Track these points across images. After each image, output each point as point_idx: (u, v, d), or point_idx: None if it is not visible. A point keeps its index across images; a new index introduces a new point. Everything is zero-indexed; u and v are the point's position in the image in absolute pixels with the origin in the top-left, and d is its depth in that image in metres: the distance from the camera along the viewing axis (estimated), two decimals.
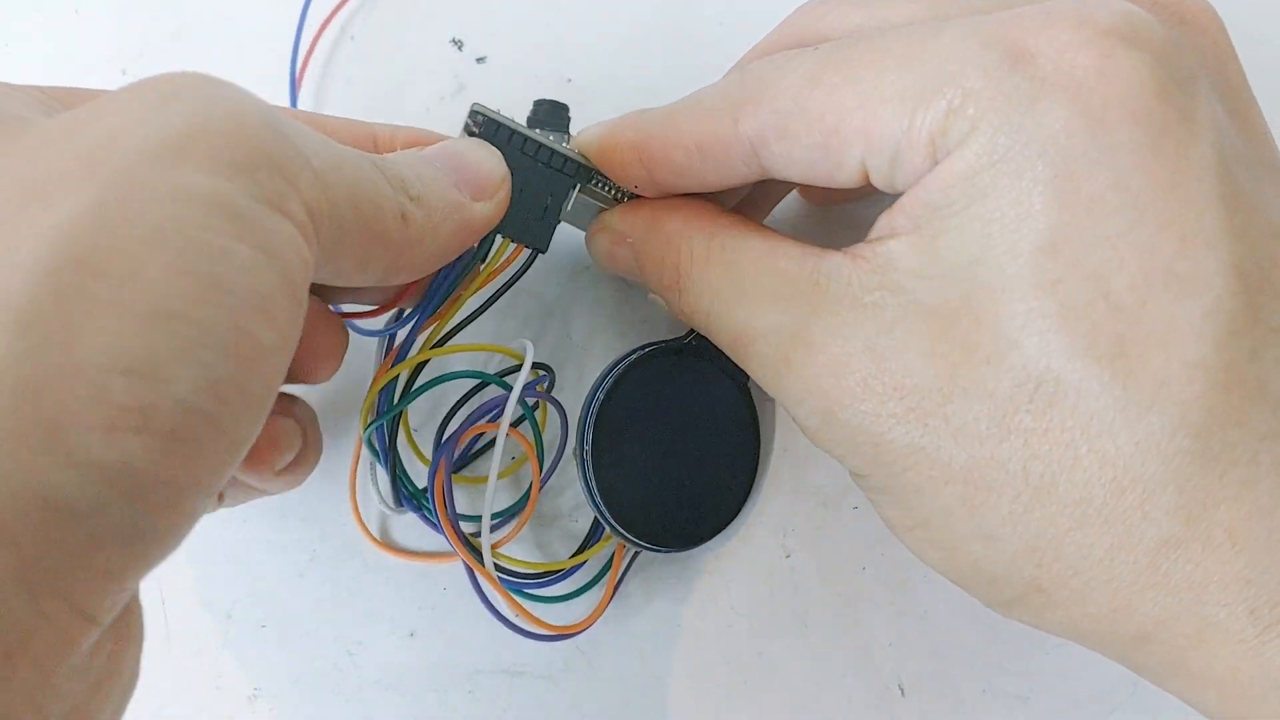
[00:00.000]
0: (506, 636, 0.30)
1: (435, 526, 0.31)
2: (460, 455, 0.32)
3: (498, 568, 0.29)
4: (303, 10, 0.37)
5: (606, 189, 0.30)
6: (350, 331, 0.29)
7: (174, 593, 0.32)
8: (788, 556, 0.32)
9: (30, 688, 0.16)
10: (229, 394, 0.17)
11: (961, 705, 0.31)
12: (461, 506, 0.30)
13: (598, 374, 0.31)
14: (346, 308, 0.30)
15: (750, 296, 0.25)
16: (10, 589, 0.15)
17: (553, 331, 0.34)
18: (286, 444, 0.26)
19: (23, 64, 0.38)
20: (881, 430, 0.22)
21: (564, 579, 0.31)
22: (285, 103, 0.37)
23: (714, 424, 0.31)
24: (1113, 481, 0.20)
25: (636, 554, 0.32)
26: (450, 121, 0.37)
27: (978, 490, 0.22)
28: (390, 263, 0.23)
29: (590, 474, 0.30)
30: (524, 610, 0.29)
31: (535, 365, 0.29)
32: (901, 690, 0.31)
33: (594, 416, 0.30)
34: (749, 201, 0.32)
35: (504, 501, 0.32)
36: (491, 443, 0.33)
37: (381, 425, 0.29)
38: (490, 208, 0.26)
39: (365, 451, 0.32)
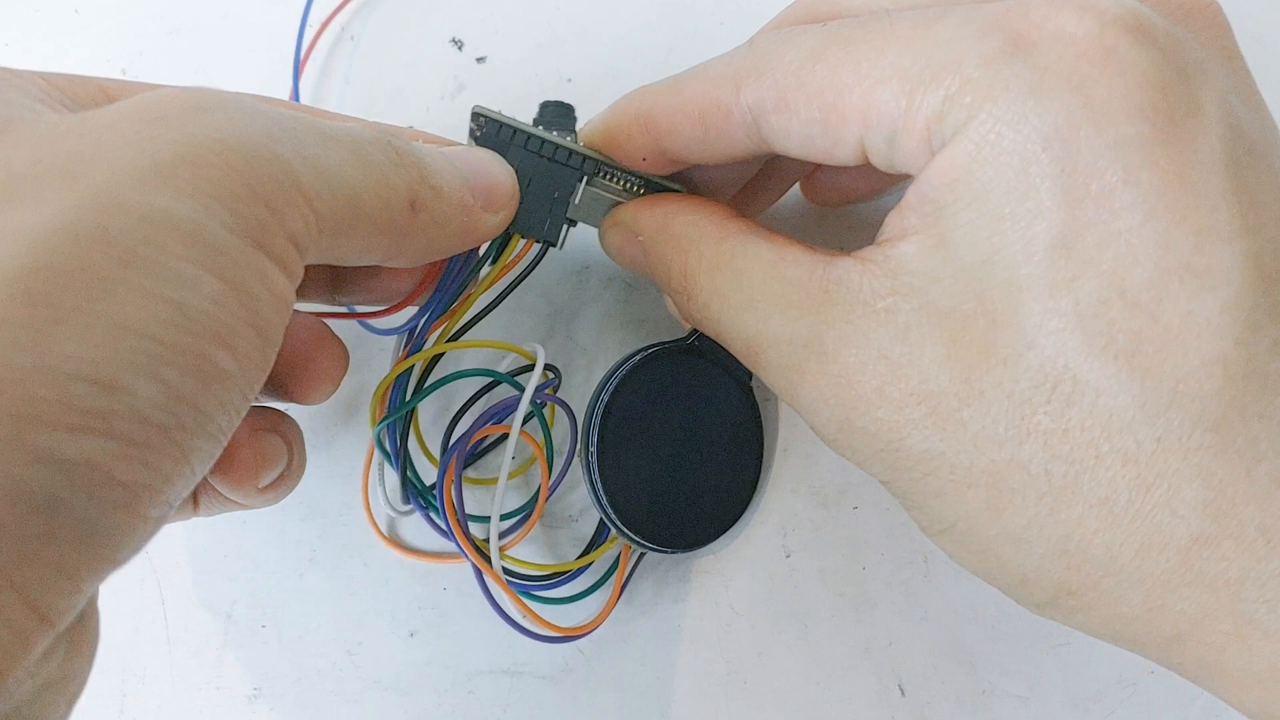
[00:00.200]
0: (507, 637, 0.30)
1: (440, 529, 0.31)
2: (468, 454, 0.32)
3: (505, 569, 0.29)
4: (304, 10, 0.37)
5: (615, 179, 0.30)
6: (368, 333, 0.30)
7: (174, 593, 0.32)
8: (788, 556, 0.32)
9: None
10: (185, 412, 0.18)
11: (961, 705, 0.31)
12: (467, 507, 0.30)
13: (602, 375, 0.31)
14: (359, 308, 0.30)
15: (760, 305, 0.24)
16: None
17: (558, 332, 0.34)
18: (272, 460, 0.27)
19: (23, 64, 0.38)
20: (900, 437, 0.22)
21: (570, 580, 0.31)
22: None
23: (718, 424, 0.31)
24: (1137, 479, 0.20)
25: (642, 555, 0.32)
26: (450, 122, 0.37)
27: (1001, 493, 0.21)
28: (390, 248, 0.23)
29: (595, 475, 0.30)
30: (532, 612, 0.29)
31: (545, 367, 0.29)
32: (901, 690, 0.31)
33: (599, 418, 0.30)
34: (755, 187, 0.32)
35: (510, 503, 0.32)
36: (497, 442, 0.33)
37: (393, 423, 0.29)
38: (496, 220, 0.27)
39: (375, 453, 0.32)
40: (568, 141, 0.29)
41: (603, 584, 0.31)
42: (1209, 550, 0.20)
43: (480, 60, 0.38)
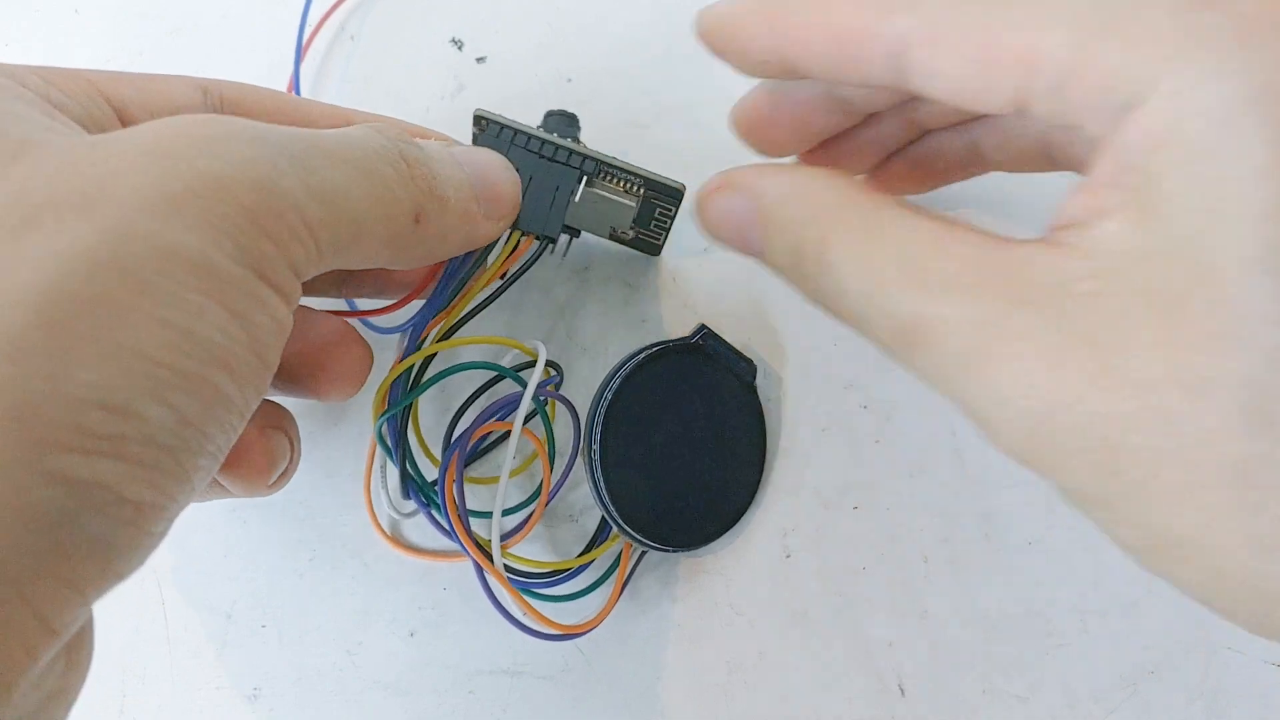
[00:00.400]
0: (506, 636, 0.30)
1: (441, 527, 0.31)
2: (469, 452, 0.32)
3: (506, 567, 0.29)
4: (304, 10, 0.37)
5: (615, 180, 0.30)
6: (371, 332, 0.30)
7: (174, 593, 0.32)
8: (788, 556, 0.32)
9: None
10: (190, 434, 0.19)
11: (961, 705, 0.31)
12: (469, 504, 0.30)
13: (605, 373, 0.31)
14: (361, 305, 0.30)
15: (925, 283, 0.21)
16: None
17: (560, 330, 0.34)
18: (281, 458, 0.28)
19: (23, 64, 0.38)
20: (1114, 434, 0.19)
21: (571, 578, 0.31)
22: None
23: (721, 423, 0.31)
24: None
25: (644, 553, 0.32)
26: (450, 122, 0.37)
27: (1249, 491, 0.19)
28: (391, 258, 0.24)
29: (598, 473, 0.30)
30: (533, 609, 0.29)
31: (546, 364, 0.29)
32: (901, 690, 0.31)
33: (602, 416, 0.30)
34: (914, 166, 0.29)
35: (512, 500, 0.32)
36: (499, 440, 0.33)
37: (393, 417, 0.29)
38: (497, 229, 0.27)
39: (377, 454, 0.32)
40: (568, 142, 0.29)
41: (603, 582, 0.31)
42: None
43: (480, 60, 0.38)
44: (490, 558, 0.28)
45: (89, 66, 0.38)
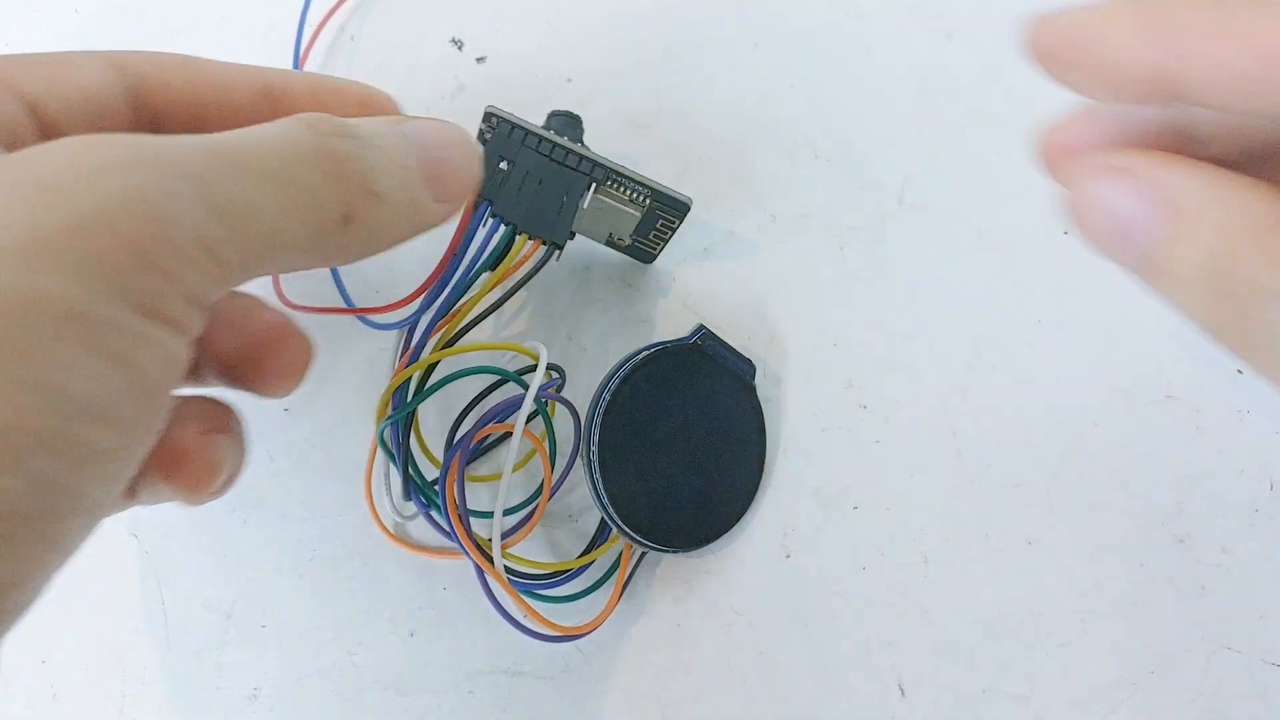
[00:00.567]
0: (506, 636, 0.30)
1: (442, 529, 0.31)
2: (471, 452, 0.32)
3: (506, 568, 0.29)
4: (303, 10, 0.37)
5: (623, 188, 0.30)
6: (368, 331, 0.29)
7: (174, 593, 0.32)
8: (788, 556, 0.32)
9: None
10: (55, 497, 0.17)
11: (961, 705, 0.31)
12: (470, 504, 0.30)
13: (604, 375, 0.31)
14: (360, 303, 0.30)
15: None
16: None
17: (559, 332, 0.34)
18: (223, 463, 0.25)
19: None
20: None
21: (571, 579, 0.31)
22: None
23: (720, 424, 0.31)
24: None
25: (644, 554, 0.32)
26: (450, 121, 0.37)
27: None
28: (318, 261, 0.22)
29: (597, 474, 0.30)
30: (533, 611, 0.29)
31: (548, 367, 0.29)
32: (901, 690, 0.31)
33: (601, 417, 0.30)
34: None
35: (512, 501, 0.32)
36: (500, 440, 0.33)
37: (396, 422, 0.29)
38: (449, 211, 0.24)
39: (377, 455, 0.32)
40: (579, 147, 0.29)
41: (603, 583, 0.31)
42: None
43: (480, 60, 0.38)
44: (490, 559, 0.28)
45: None
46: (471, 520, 0.29)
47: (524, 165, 0.29)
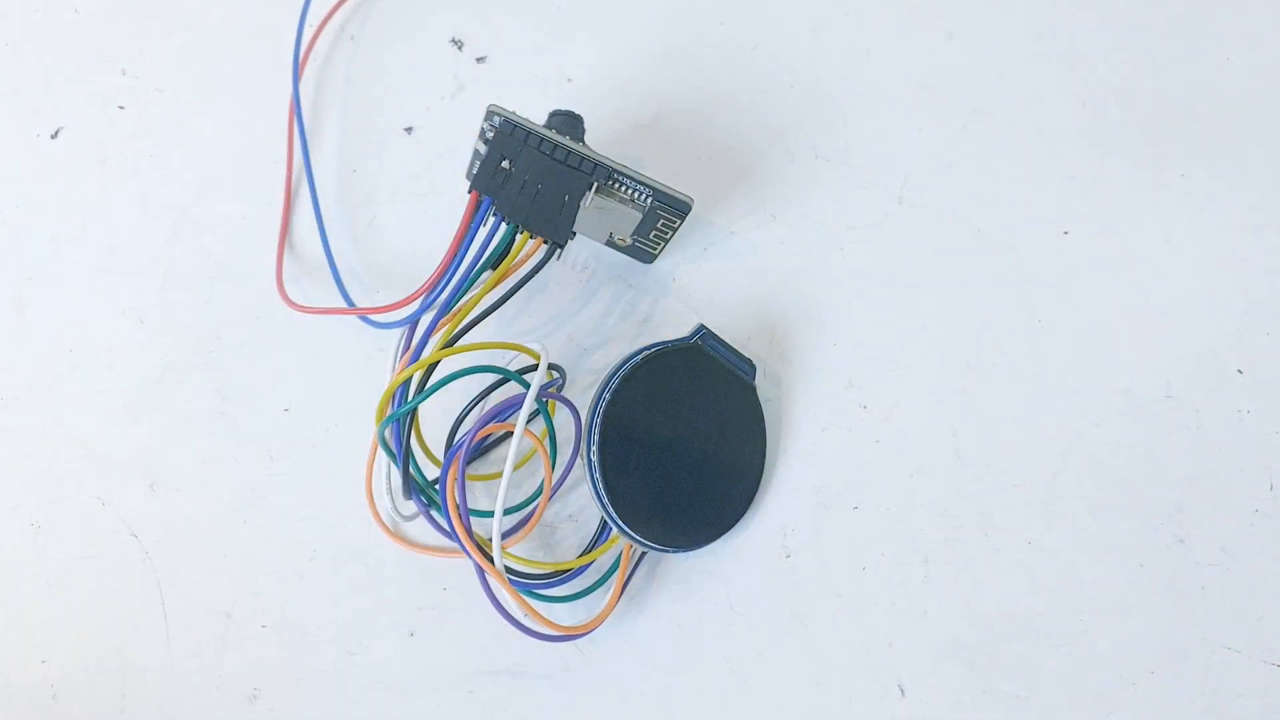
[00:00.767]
0: (506, 636, 0.30)
1: (442, 529, 0.31)
2: (471, 452, 0.32)
3: (506, 568, 0.29)
4: (303, 10, 0.37)
5: (625, 189, 0.30)
6: (368, 330, 0.29)
7: (174, 593, 0.32)
8: (788, 556, 0.32)
9: None
10: None
11: (961, 705, 0.31)
12: (470, 504, 0.30)
13: (604, 375, 0.31)
14: (361, 303, 0.30)
15: None
16: None
17: (560, 331, 0.34)
18: None
19: (23, 64, 0.38)
20: None
21: (571, 579, 0.31)
22: (285, 101, 0.37)
23: (720, 424, 0.31)
24: None
25: (644, 554, 0.32)
26: (450, 121, 0.37)
27: None
28: None
29: (597, 474, 0.30)
30: (533, 610, 0.29)
31: (549, 366, 0.29)
32: (901, 690, 0.31)
33: (601, 417, 0.30)
34: None
35: (513, 500, 0.32)
36: (501, 440, 0.33)
37: (396, 422, 0.29)
38: None
39: (378, 455, 0.32)
40: (580, 147, 0.29)
41: (603, 583, 0.31)
42: None
43: (480, 60, 0.38)
44: (490, 559, 0.28)
45: (89, 66, 0.38)
46: (471, 520, 0.29)
47: (526, 164, 0.29)
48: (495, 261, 0.29)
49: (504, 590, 0.29)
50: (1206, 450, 0.33)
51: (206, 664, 0.32)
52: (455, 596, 0.32)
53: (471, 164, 0.32)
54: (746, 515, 0.32)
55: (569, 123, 0.32)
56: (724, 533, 0.32)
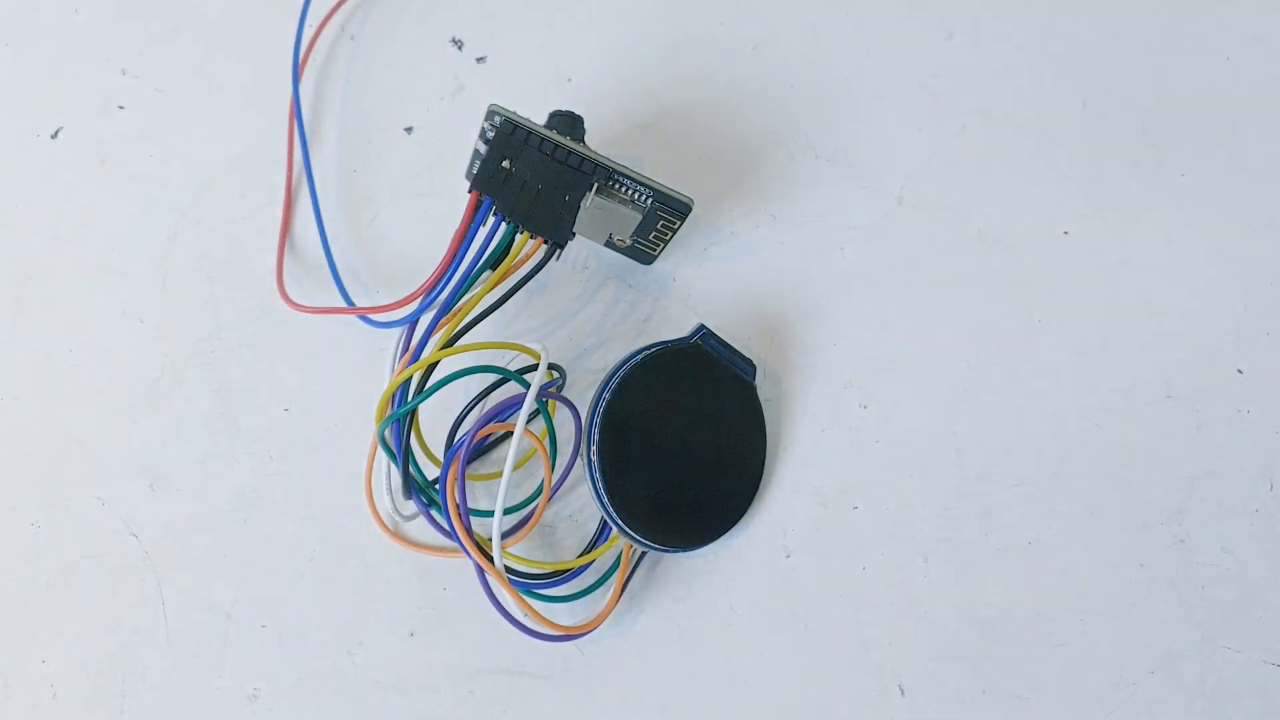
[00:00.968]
0: (507, 636, 0.30)
1: (442, 529, 0.31)
2: (471, 452, 0.32)
3: (506, 567, 0.29)
4: (303, 10, 0.37)
5: (625, 189, 0.30)
6: (367, 330, 0.29)
7: (174, 593, 0.32)
8: (788, 556, 0.32)
9: None
10: None
11: (961, 705, 0.31)
12: (470, 503, 0.30)
13: (604, 375, 0.31)
14: (361, 302, 0.30)
15: None
16: None
17: (560, 331, 0.34)
18: None
19: (23, 64, 0.38)
20: None
21: (571, 579, 0.31)
22: (285, 101, 0.37)
23: (720, 424, 0.31)
24: None
25: (644, 554, 0.32)
26: (450, 122, 0.37)
27: None
28: None
29: (597, 474, 0.30)
30: (533, 610, 0.29)
31: (549, 366, 0.29)
32: (901, 690, 0.31)
33: (601, 417, 0.30)
34: None
35: (512, 500, 0.32)
36: (501, 440, 0.33)
37: (396, 421, 0.29)
38: None
39: (378, 455, 0.32)
40: (581, 147, 0.29)
41: (603, 583, 0.31)
42: None
43: (480, 60, 0.38)
44: (490, 559, 0.28)
45: (89, 66, 0.38)
46: (471, 520, 0.29)
47: (526, 164, 0.29)
48: (495, 261, 0.29)
49: (504, 590, 0.29)
50: (1206, 450, 0.33)
51: (206, 664, 0.32)
52: (455, 596, 0.32)
53: (471, 164, 0.32)
54: (746, 515, 0.32)
55: (569, 123, 0.32)
56: (724, 533, 0.32)
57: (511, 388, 0.30)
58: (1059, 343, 0.34)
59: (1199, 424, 0.33)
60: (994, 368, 0.34)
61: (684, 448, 0.31)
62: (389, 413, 0.29)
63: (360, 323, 0.33)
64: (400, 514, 0.32)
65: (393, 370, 0.31)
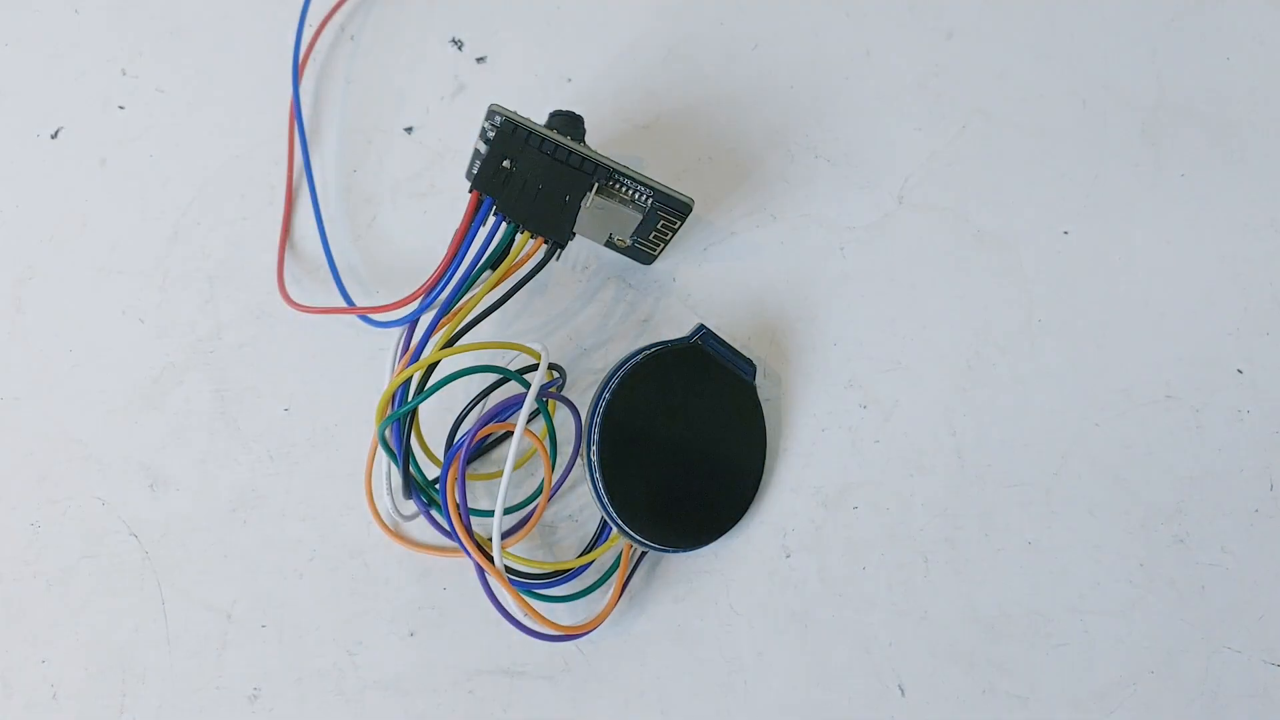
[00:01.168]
0: (507, 637, 0.30)
1: (442, 529, 0.31)
2: (471, 451, 0.32)
3: (506, 567, 0.29)
4: (302, 10, 0.37)
5: (625, 189, 0.30)
6: (367, 330, 0.29)
7: (174, 593, 0.32)
8: (788, 556, 0.32)
9: None
10: None
11: (961, 705, 0.31)
12: (470, 503, 0.30)
13: (604, 375, 0.31)
14: (361, 303, 0.30)
15: None
16: None
17: (560, 331, 0.34)
18: None
19: (23, 64, 0.38)
20: None
21: (571, 579, 0.31)
22: (285, 101, 0.37)
23: (720, 424, 0.31)
24: None
25: (644, 554, 0.32)
26: (450, 121, 0.37)
27: None
28: None
29: (597, 474, 0.30)
30: (533, 610, 0.29)
31: (550, 366, 0.29)
32: (901, 690, 0.31)
33: (601, 417, 0.30)
34: None
35: (512, 500, 0.32)
36: (501, 439, 0.33)
37: (396, 421, 0.29)
38: None
39: (378, 455, 0.32)
40: (581, 147, 0.29)
41: (603, 583, 0.31)
42: None
43: (480, 60, 0.38)
44: (490, 558, 0.28)
45: (89, 66, 0.38)
46: (472, 520, 0.29)
47: (527, 164, 0.29)
48: (495, 261, 0.29)
49: (504, 590, 0.29)
50: (1206, 450, 0.33)
51: (206, 664, 0.32)
52: (455, 596, 0.32)
53: (472, 163, 0.32)
54: (746, 515, 0.32)
55: (569, 123, 0.32)
56: (724, 533, 0.32)
57: (512, 387, 0.30)
58: (1059, 343, 0.34)
59: (1199, 424, 0.33)
60: (994, 368, 0.34)
61: (684, 448, 0.31)
62: (389, 412, 0.29)
63: (360, 323, 0.33)
64: (400, 514, 0.32)
65: (393, 370, 0.31)
